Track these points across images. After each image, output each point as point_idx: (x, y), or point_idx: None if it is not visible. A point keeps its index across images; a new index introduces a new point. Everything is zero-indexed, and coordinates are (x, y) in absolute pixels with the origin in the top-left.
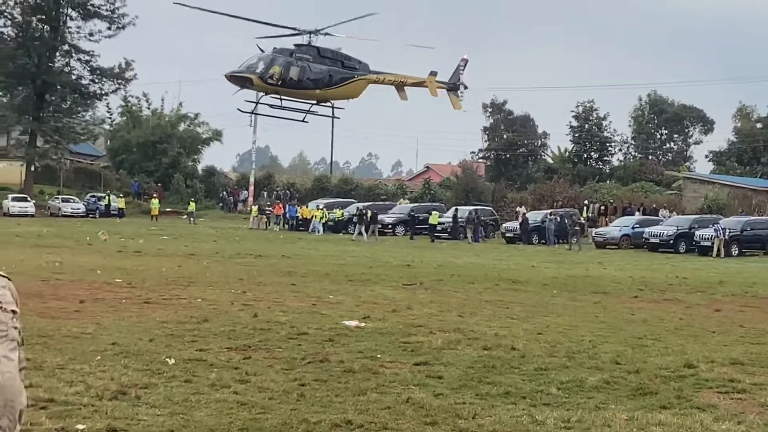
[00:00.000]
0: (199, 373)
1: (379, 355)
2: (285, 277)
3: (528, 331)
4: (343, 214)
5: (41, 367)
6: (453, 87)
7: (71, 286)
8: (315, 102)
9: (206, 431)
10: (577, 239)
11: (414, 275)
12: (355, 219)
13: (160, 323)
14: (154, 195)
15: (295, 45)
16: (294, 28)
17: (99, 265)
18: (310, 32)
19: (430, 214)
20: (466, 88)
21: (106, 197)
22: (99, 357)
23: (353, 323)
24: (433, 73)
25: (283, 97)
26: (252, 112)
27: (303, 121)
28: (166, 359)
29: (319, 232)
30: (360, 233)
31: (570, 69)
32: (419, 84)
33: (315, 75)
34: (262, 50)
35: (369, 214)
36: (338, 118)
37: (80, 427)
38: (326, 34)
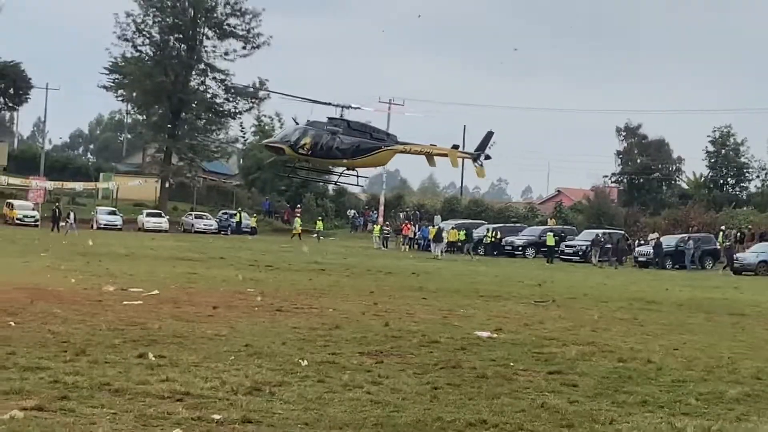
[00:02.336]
0: (331, 375)
1: (512, 364)
2: (415, 292)
3: (664, 347)
4: (463, 234)
5: (177, 364)
6: (476, 157)
7: (204, 294)
8: (345, 169)
9: (340, 425)
10: (616, 258)
11: (545, 294)
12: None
13: (292, 328)
14: (298, 214)
15: (328, 118)
16: (329, 103)
17: (231, 277)
18: (342, 106)
19: (546, 235)
20: (488, 158)
21: (238, 215)
22: (233, 357)
23: (485, 334)
24: (455, 146)
25: (313, 165)
26: (288, 176)
27: (336, 183)
28: (299, 361)
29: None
30: (441, 251)
31: (707, 92)
32: (443, 154)
33: (344, 146)
34: (296, 122)
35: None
36: (362, 186)
37: (216, 416)
38: (358, 108)
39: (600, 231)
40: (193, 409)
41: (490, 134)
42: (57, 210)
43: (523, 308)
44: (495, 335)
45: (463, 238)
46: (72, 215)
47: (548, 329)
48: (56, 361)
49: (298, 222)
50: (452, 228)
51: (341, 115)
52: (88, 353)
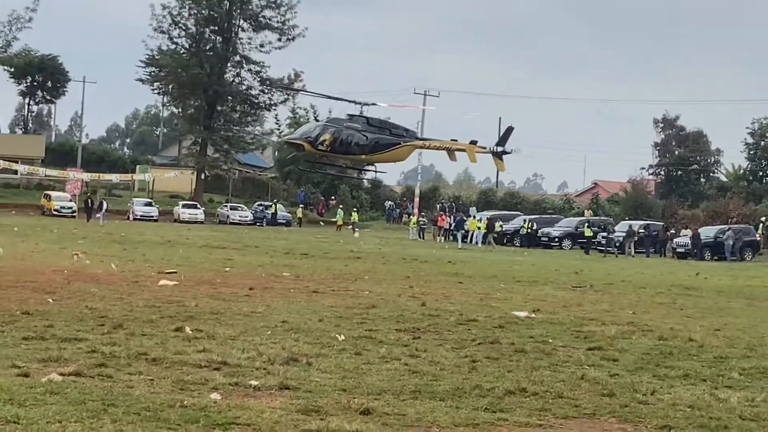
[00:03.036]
0: (369, 348)
1: (551, 340)
2: (451, 277)
3: (705, 328)
4: (501, 226)
5: (214, 337)
6: (498, 153)
7: (240, 277)
8: (364, 164)
9: (378, 392)
10: (654, 249)
11: (583, 280)
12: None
13: (328, 307)
14: (340, 206)
15: (348, 115)
16: (347, 99)
17: (267, 263)
18: (361, 103)
19: (583, 226)
20: (507, 153)
21: (273, 206)
22: (269, 332)
23: (523, 314)
24: (473, 142)
25: (332, 160)
26: (310, 171)
27: (358, 177)
28: (336, 335)
29: (477, 243)
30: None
31: (747, 84)
32: (461, 149)
33: (362, 142)
34: (317, 119)
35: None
36: (380, 181)
37: (254, 383)
38: (374, 104)
39: (634, 222)
40: (230, 376)
41: (510, 129)
42: (90, 200)
43: (560, 292)
44: (533, 315)
45: (484, 229)
46: (104, 204)
47: (587, 311)
48: (94, 333)
49: (340, 213)
50: (487, 219)
51: (361, 112)
52: (125, 327)
